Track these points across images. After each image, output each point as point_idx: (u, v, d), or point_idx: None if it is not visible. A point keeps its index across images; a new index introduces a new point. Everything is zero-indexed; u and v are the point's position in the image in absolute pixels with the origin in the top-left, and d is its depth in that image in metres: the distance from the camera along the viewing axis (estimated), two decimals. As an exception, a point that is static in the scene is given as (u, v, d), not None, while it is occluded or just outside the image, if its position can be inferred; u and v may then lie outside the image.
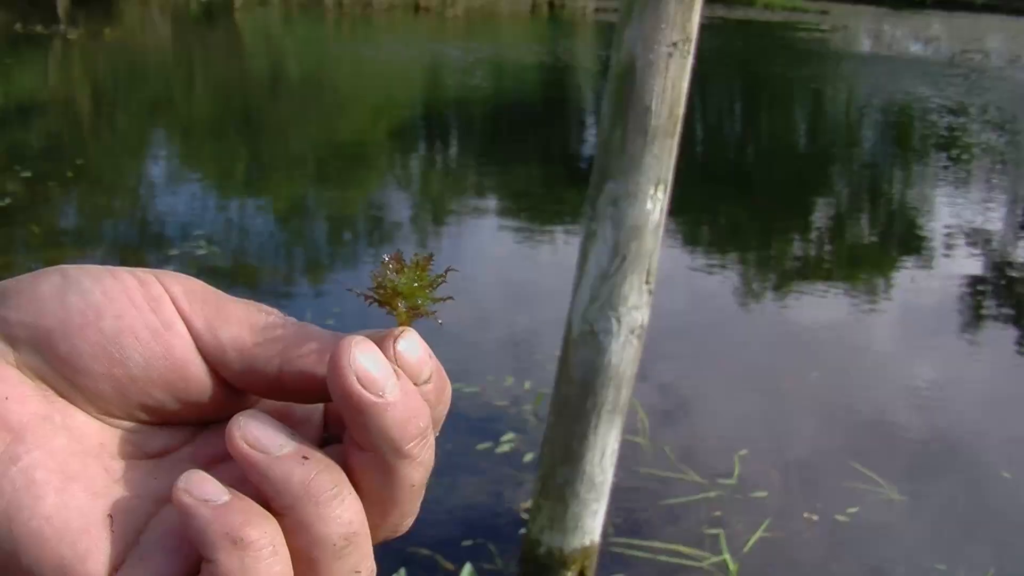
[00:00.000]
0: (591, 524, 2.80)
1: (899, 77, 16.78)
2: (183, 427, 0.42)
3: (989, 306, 5.94)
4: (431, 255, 0.41)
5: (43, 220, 6.25)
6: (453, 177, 8.83)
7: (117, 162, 8.25)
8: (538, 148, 9.85)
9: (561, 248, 6.23)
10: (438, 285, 0.41)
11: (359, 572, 0.39)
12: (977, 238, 7.31)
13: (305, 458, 0.38)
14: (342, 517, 0.38)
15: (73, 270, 0.41)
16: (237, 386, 0.41)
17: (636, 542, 3.13)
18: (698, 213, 7.47)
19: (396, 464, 0.39)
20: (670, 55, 2.26)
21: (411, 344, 0.39)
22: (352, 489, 0.39)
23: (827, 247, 7.14)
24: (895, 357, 4.94)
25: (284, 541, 0.37)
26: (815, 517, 3.36)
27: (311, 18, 22.28)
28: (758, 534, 3.21)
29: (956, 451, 3.96)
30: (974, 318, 5.65)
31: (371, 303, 0.41)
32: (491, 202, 7.70)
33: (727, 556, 3.08)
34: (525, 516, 3.12)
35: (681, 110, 2.34)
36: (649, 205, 2.37)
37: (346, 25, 21.77)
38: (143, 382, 0.39)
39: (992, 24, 32.24)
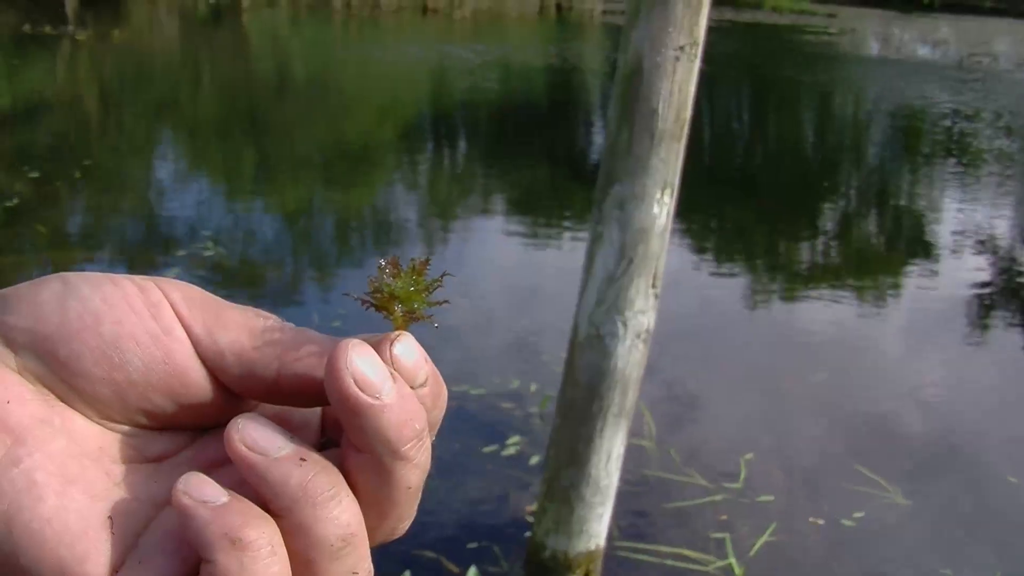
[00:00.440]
0: (596, 528, 2.80)
1: (907, 80, 16.75)
2: (182, 432, 0.43)
3: (995, 310, 5.93)
4: (427, 259, 0.41)
5: (50, 220, 6.26)
6: (460, 179, 8.83)
7: (124, 163, 8.27)
8: (545, 150, 9.85)
9: (567, 250, 6.23)
10: (434, 289, 0.41)
11: (356, 573, 0.40)
12: (983, 242, 7.30)
13: (303, 460, 0.38)
14: (339, 518, 0.38)
15: (73, 277, 0.41)
16: (236, 391, 0.42)
17: (641, 546, 3.12)
18: (704, 216, 7.47)
19: (393, 466, 0.39)
20: (677, 58, 2.26)
21: (407, 348, 0.39)
22: (349, 491, 0.39)
23: (833, 251, 7.13)
24: (901, 361, 4.93)
25: (282, 542, 0.38)
26: (821, 521, 3.35)
27: (319, 19, 22.30)
28: (764, 538, 3.20)
29: (962, 455, 3.96)
30: (980, 322, 5.64)
31: (368, 307, 0.41)
32: (497, 204, 7.70)
33: (733, 560, 3.07)
34: (530, 519, 3.12)
35: (688, 113, 2.34)
36: (656, 208, 2.37)
37: (354, 26, 21.79)
38: (143, 387, 0.40)
39: (1000, 27, 32.19)
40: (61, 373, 0.39)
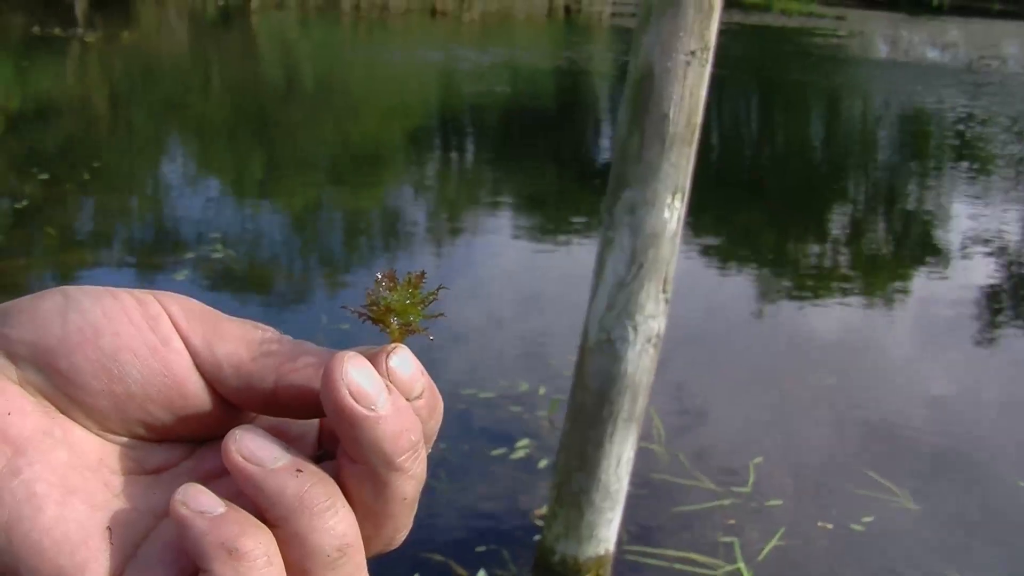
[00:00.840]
0: (606, 532, 2.80)
1: (916, 83, 16.72)
2: (181, 443, 0.43)
3: (1005, 314, 5.92)
4: (423, 272, 0.42)
5: (59, 222, 6.28)
6: (469, 182, 8.84)
7: (133, 165, 8.29)
8: (554, 153, 9.85)
9: (576, 255, 6.23)
10: (430, 302, 0.42)
11: None
12: (993, 246, 7.28)
13: (299, 471, 0.38)
14: (335, 529, 0.39)
15: (73, 290, 0.41)
16: (234, 402, 0.42)
17: (650, 550, 3.12)
18: (713, 219, 7.46)
19: (388, 477, 0.39)
20: (688, 63, 2.26)
21: (403, 360, 0.40)
22: (345, 502, 0.39)
23: (842, 254, 7.11)
24: (910, 364, 4.92)
25: (279, 552, 0.38)
26: (830, 526, 3.34)
27: (327, 21, 22.33)
28: (773, 542, 3.20)
29: (971, 459, 3.95)
30: (989, 326, 5.62)
31: (364, 320, 0.41)
32: (506, 207, 7.70)
33: (741, 564, 3.07)
34: (539, 523, 3.12)
35: (699, 118, 2.34)
36: (666, 213, 2.37)
37: (362, 29, 21.82)
38: (141, 398, 0.40)
39: (1008, 30, 32.11)
40: (61, 385, 0.39)
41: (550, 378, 4.21)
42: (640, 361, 2.52)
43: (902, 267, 6.77)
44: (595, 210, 7.13)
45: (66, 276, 5.35)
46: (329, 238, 6.70)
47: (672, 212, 2.38)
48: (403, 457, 0.39)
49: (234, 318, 0.43)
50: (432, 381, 0.41)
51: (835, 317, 5.53)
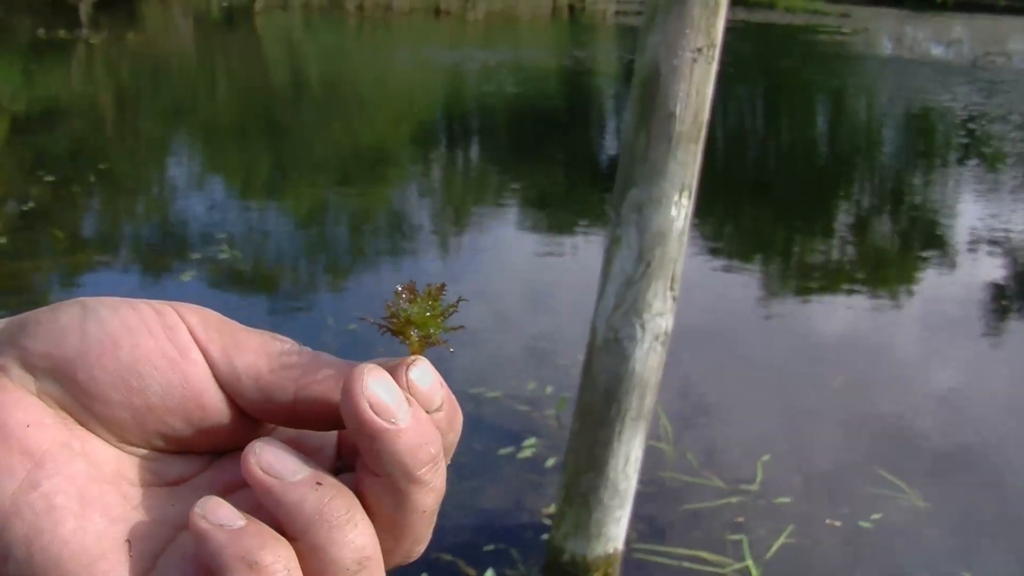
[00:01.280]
0: (615, 531, 2.80)
1: (921, 80, 16.69)
2: (199, 455, 0.43)
3: (1015, 311, 5.90)
4: (443, 285, 0.42)
5: (66, 224, 6.29)
6: (475, 181, 8.84)
7: (140, 166, 8.30)
8: (560, 153, 9.85)
9: (583, 253, 6.23)
10: (450, 315, 0.42)
11: None
12: (1002, 243, 7.26)
13: (319, 484, 0.39)
14: (355, 542, 0.39)
15: (91, 301, 0.41)
16: (252, 414, 0.42)
17: (659, 548, 3.12)
18: (720, 217, 7.46)
19: (408, 490, 0.39)
20: (694, 61, 2.26)
21: (423, 373, 0.40)
22: (365, 514, 0.40)
23: (850, 252, 7.10)
24: (919, 362, 4.91)
25: (298, 565, 0.38)
26: (838, 523, 3.34)
27: (331, 22, 22.34)
28: (781, 540, 3.20)
29: (980, 457, 3.94)
30: (1000, 323, 5.61)
31: (384, 332, 0.42)
32: (513, 207, 7.69)
33: (750, 562, 3.07)
34: (548, 521, 3.12)
35: (706, 116, 2.34)
36: (674, 211, 2.37)
37: (366, 29, 21.82)
38: (160, 410, 0.40)
39: (1014, 26, 32.01)
40: (80, 397, 0.39)
41: (558, 377, 4.21)
42: (648, 359, 2.52)
43: (911, 264, 6.76)
44: (602, 209, 7.13)
45: (73, 278, 5.36)
46: (335, 239, 6.71)
47: (679, 210, 2.38)
48: (423, 470, 0.39)
49: (252, 329, 0.43)
50: (451, 393, 0.41)
51: (844, 314, 5.52)
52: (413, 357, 0.40)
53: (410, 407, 0.39)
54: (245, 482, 0.39)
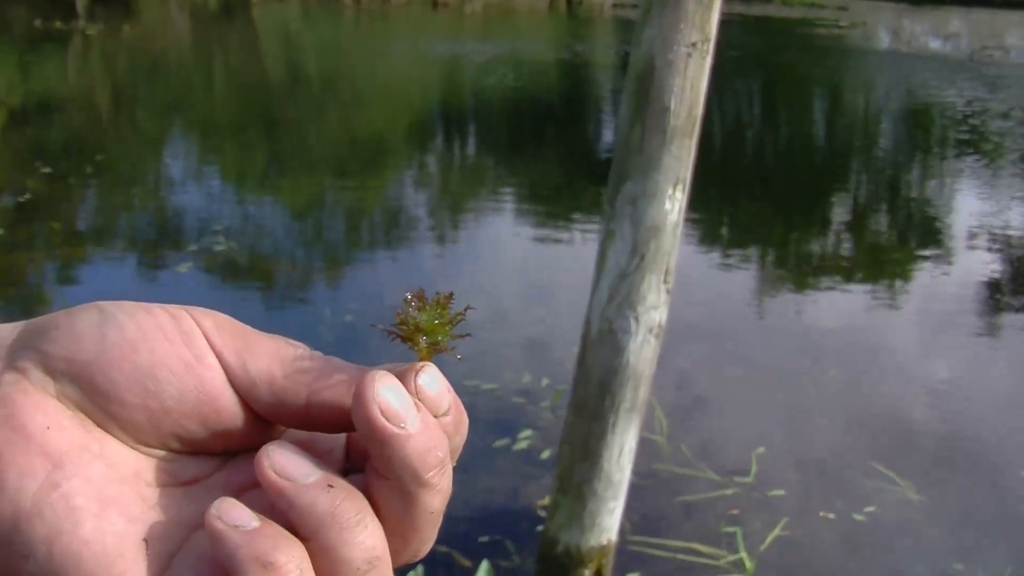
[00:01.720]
0: (608, 522, 2.80)
1: (918, 73, 16.69)
2: (213, 456, 0.44)
3: (1011, 306, 5.91)
4: (451, 294, 0.43)
5: (63, 216, 6.29)
6: (471, 174, 8.84)
7: (136, 158, 8.30)
8: (556, 146, 9.85)
9: (578, 246, 6.23)
10: (458, 322, 0.43)
11: None
12: (999, 238, 7.27)
13: (330, 486, 0.40)
14: (365, 543, 0.40)
15: (108, 305, 0.42)
16: (266, 417, 0.43)
17: (653, 540, 3.13)
18: (715, 211, 7.47)
19: (416, 492, 0.40)
20: (689, 55, 2.26)
21: (431, 379, 0.41)
22: (374, 516, 0.41)
23: (846, 246, 7.11)
24: (914, 356, 4.92)
25: (311, 565, 0.39)
26: (832, 516, 3.35)
27: (329, 13, 22.31)
28: (775, 532, 3.21)
29: (975, 450, 3.95)
30: (995, 317, 5.62)
31: (394, 339, 0.42)
32: (508, 200, 7.70)
33: (744, 554, 3.08)
34: (542, 513, 3.13)
35: (700, 110, 2.34)
36: (668, 205, 2.38)
37: (364, 21, 21.78)
38: (176, 413, 0.41)
39: (1012, 20, 32.01)
40: (98, 400, 0.40)
41: (552, 369, 4.22)
42: (642, 352, 2.53)
43: (907, 258, 6.76)
44: (597, 202, 7.13)
45: (69, 270, 5.36)
46: (331, 231, 6.71)
47: (673, 203, 2.39)
48: (431, 473, 0.40)
49: (265, 333, 0.44)
50: (458, 398, 0.42)
51: (839, 307, 5.53)
52: (421, 363, 0.41)
53: (419, 412, 0.40)
54: (258, 482, 0.40)
